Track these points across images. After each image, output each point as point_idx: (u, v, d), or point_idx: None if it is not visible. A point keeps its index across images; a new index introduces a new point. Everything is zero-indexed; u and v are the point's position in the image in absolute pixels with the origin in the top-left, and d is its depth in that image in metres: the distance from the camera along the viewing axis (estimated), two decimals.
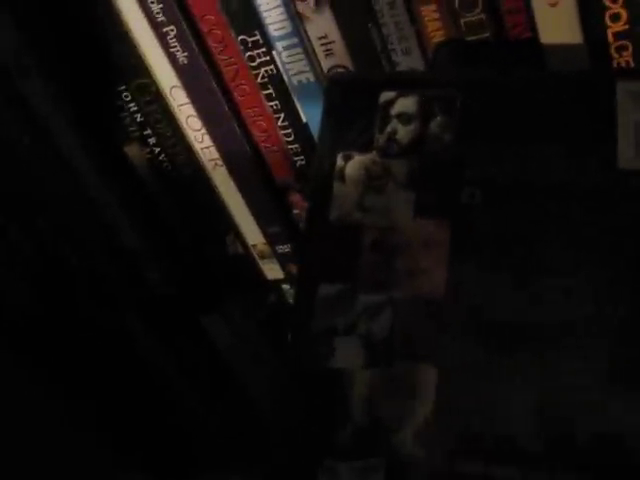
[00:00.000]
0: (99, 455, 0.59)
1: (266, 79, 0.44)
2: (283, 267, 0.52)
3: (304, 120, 0.45)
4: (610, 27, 0.36)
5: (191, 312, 0.57)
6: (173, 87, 0.47)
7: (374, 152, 0.36)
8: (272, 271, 0.53)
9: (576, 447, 0.30)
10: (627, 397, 0.30)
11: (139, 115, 0.49)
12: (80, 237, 0.55)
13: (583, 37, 0.37)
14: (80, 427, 0.58)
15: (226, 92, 0.46)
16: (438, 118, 0.36)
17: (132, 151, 0.52)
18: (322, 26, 0.41)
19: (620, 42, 0.36)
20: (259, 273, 0.54)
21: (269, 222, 0.51)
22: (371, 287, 0.35)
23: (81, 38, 0.47)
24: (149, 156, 0.51)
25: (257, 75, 0.44)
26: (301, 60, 0.42)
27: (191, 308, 0.57)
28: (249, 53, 0.44)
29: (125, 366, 0.59)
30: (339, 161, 0.37)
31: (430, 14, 0.39)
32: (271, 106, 0.45)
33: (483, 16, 0.38)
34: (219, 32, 0.44)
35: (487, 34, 0.38)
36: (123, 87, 0.49)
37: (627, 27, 0.36)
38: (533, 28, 0.37)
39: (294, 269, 0.52)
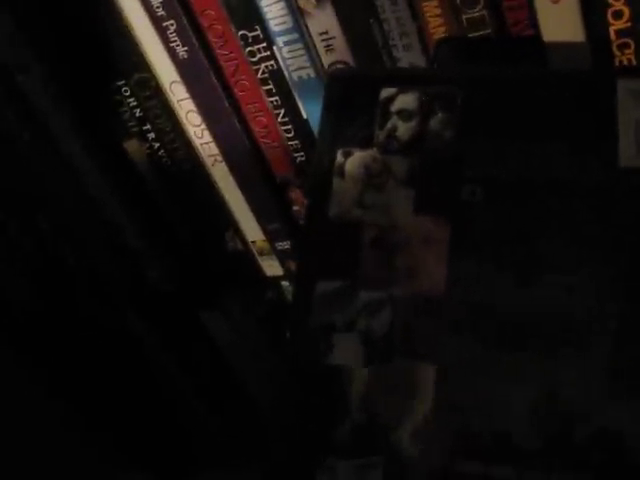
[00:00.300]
0: (99, 454, 0.59)
1: (266, 75, 0.44)
2: (282, 264, 0.52)
3: (304, 116, 0.45)
4: (612, 24, 0.36)
5: (190, 308, 0.57)
6: (173, 82, 0.47)
7: (374, 149, 0.36)
8: (271, 268, 0.53)
9: (575, 446, 0.30)
10: (627, 395, 0.30)
11: (138, 110, 0.49)
12: (80, 233, 0.54)
13: (585, 34, 0.37)
14: (80, 426, 0.58)
15: (226, 87, 0.46)
16: (439, 115, 0.36)
17: (131, 147, 0.51)
18: (323, 21, 0.41)
19: (622, 40, 0.36)
20: (258, 270, 0.53)
21: (269, 219, 0.50)
22: (371, 284, 0.34)
23: (81, 32, 0.47)
24: (148, 152, 0.51)
25: (257, 70, 0.44)
26: (302, 56, 0.42)
27: (190, 304, 0.57)
28: (249, 48, 0.44)
29: (125, 364, 0.59)
30: (339, 157, 0.36)
31: (432, 10, 0.39)
32: (271, 102, 0.45)
33: (485, 13, 0.38)
34: (219, 27, 0.44)
35: (489, 31, 0.38)
36: (123, 82, 0.48)
37: (629, 25, 0.36)
38: (535, 25, 0.37)
39: (293, 266, 0.52)
